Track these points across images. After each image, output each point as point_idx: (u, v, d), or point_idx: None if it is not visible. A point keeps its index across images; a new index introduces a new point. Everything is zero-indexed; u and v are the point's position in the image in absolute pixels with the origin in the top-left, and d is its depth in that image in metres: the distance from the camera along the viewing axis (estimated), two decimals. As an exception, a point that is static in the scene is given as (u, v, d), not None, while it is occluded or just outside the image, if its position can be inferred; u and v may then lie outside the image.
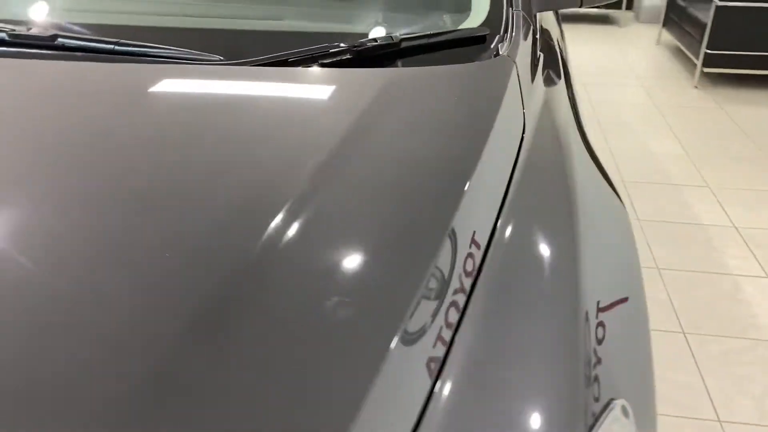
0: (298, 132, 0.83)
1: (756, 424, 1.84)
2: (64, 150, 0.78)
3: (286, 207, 0.69)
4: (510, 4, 1.15)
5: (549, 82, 1.16)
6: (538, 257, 0.74)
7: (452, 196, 0.73)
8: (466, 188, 0.74)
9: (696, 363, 2.07)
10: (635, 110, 4.17)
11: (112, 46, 0.99)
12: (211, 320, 0.57)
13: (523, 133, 0.92)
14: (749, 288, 2.40)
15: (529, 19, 1.20)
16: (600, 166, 1.09)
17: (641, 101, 4.34)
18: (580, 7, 1.42)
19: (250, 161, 0.77)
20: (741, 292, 2.39)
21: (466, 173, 0.76)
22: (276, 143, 0.81)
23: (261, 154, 0.79)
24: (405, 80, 0.97)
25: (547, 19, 1.63)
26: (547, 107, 1.07)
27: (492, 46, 1.06)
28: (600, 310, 0.72)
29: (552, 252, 0.75)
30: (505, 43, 1.06)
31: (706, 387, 1.97)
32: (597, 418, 0.62)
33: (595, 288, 0.74)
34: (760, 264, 2.53)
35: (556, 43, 1.47)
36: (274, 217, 0.68)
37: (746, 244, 2.67)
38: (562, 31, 1.83)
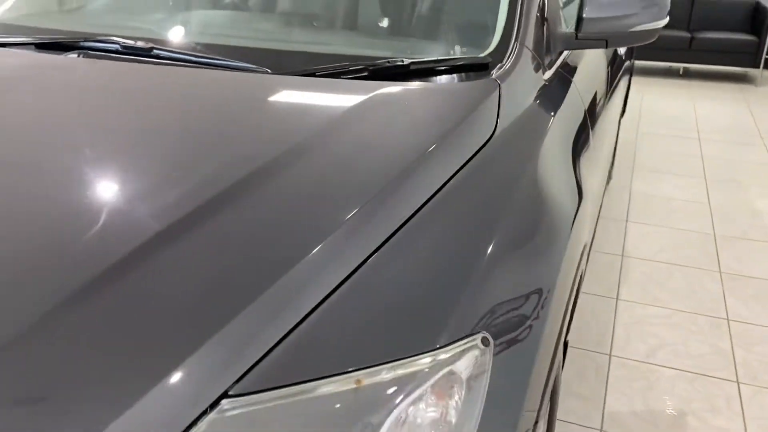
0: (302, 118, 1.09)
1: (791, 477, 1.80)
2: (151, 118, 1.11)
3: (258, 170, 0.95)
4: (517, 40, 1.34)
5: (548, 108, 1.33)
6: (447, 236, 0.93)
7: (390, 175, 0.95)
8: (399, 172, 0.95)
9: (743, 412, 2.04)
10: (749, 168, 4.04)
11: (191, 57, 1.31)
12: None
13: (488, 140, 1.11)
14: (824, 349, 2.30)
15: (538, 54, 1.38)
16: (579, 190, 1.24)
17: (759, 160, 4.19)
18: (606, 47, 1.58)
19: (265, 132, 1.05)
20: (814, 352, 2.30)
21: (402, 161, 0.97)
22: (289, 123, 1.08)
23: (275, 129, 1.07)
24: (404, 92, 1.19)
25: (589, 61, 1.79)
26: (534, 127, 1.24)
27: (488, 72, 1.26)
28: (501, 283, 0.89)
29: (459, 236, 0.93)
30: (500, 71, 1.26)
31: (746, 435, 1.95)
32: (456, 338, 0.80)
33: (500, 264, 0.91)
34: (844, 328, 2.42)
35: (584, 81, 1.62)
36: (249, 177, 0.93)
37: (834, 307, 2.55)
38: (612, 76, 1.97)
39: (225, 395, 0.69)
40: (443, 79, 1.24)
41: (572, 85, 1.51)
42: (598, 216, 2.31)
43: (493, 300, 0.86)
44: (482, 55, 1.32)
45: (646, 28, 1.54)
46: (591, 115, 1.59)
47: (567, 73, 1.53)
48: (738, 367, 2.25)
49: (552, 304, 0.96)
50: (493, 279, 0.88)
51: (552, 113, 1.31)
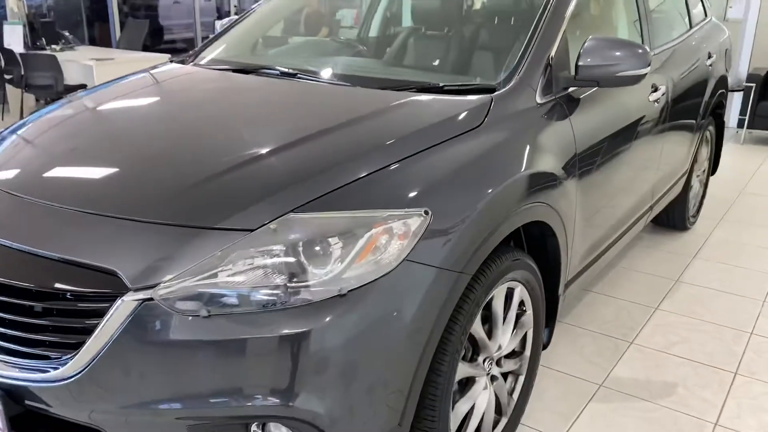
0: (373, 103, 1.95)
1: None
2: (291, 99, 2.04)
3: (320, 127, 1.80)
4: (518, 76, 2.05)
5: (529, 119, 2.02)
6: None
7: (415, 128, 1.79)
8: (423, 126, 1.78)
9: (729, 391, 2.47)
10: None
11: (316, 78, 2.21)
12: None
13: (478, 125, 1.84)
14: (830, 362, 2.63)
15: (533, 86, 2.06)
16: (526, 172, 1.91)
17: None
18: (598, 87, 2.24)
19: (339, 109, 1.94)
20: (820, 364, 2.64)
21: (424, 123, 1.79)
22: (365, 105, 1.96)
23: (357, 106, 1.96)
24: (434, 98, 1.98)
25: (607, 106, 2.44)
26: (510, 125, 1.94)
27: (491, 93, 2.01)
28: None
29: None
30: (498, 93, 2.00)
31: (723, 406, 2.39)
32: (412, 207, 1.54)
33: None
34: None
35: (587, 115, 2.27)
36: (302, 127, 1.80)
37: None
38: (649, 130, 2.72)
39: (291, 211, 1.50)
40: (461, 95, 2.01)
41: (565, 112, 2.18)
42: (620, 235, 2.84)
43: (438, 197, 1.60)
44: (493, 83, 2.07)
45: (629, 74, 2.19)
46: (583, 140, 2.22)
47: (565, 104, 2.21)
48: (742, 363, 2.66)
49: (475, 215, 1.65)
50: (439, 188, 1.63)
51: (530, 123, 2.02)
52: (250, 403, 1.39)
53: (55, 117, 2.17)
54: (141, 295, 1.39)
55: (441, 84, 2.08)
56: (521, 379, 2.14)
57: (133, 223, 1.49)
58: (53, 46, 6.91)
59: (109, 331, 1.40)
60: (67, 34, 7.36)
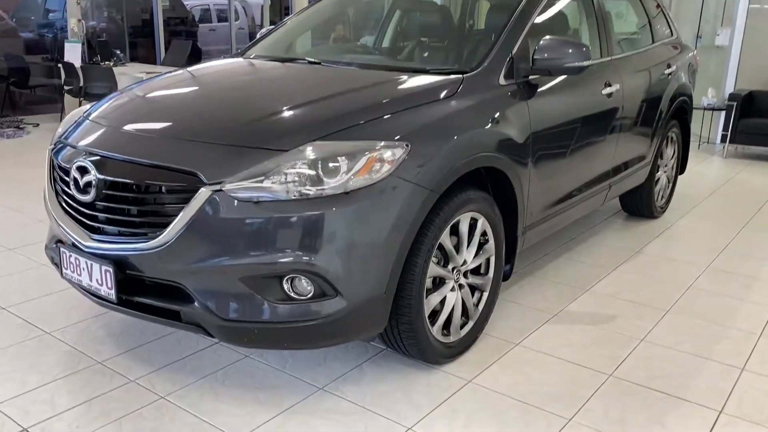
0: (380, 78, 2.69)
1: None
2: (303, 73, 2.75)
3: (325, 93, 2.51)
4: (485, 65, 2.75)
5: (490, 95, 2.70)
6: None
7: (410, 90, 2.53)
8: (416, 92, 2.51)
9: (658, 322, 3.08)
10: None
11: (334, 64, 2.94)
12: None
13: (454, 93, 2.55)
14: None
15: (497, 73, 2.76)
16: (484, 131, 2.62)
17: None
18: (549, 75, 2.93)
19: (349, 82, 2.65)
20: None
21: (417, 89, 2.53)
22: (372, 79, 2.68)
23: (365, 80, 2.68)
24: (424, 77, 2.69)
25: (562, 100, 3.12)
26: (475, 96, 2.63)
27: (463, 74, 2.71)
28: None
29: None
30: (469, 75, 2.69)
31: (651, 330, 3.00)
32: (396, 140, 2.23)
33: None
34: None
35: (543, 101, 2.95)
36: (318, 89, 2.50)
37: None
38: (605, 126, 3.34)
39: (314, 140, 2.19)
40: (444, 75, 2.71)
41: (524, 95, 2.86)
42: (576, 201, 3.48)
43: (418, 137, 2.29)
44: (466, 69, 2.77)
45: (574, 65, 2.87)
46: (537, 119, 2.89)
47: (525, 89, 2.89)
48: (675, 306, 3.27)
49: (443, 152, 2.33)
50: (419, 132, 2.32)
51: (492, 97, 2.71)
52: (283, 260, 2.08)
53: (152, 84, 2.97)
54: (214, 188, 2.08)
55: (428, 68, 2.79)
56: (485, 295, 2.79)
57: (208, 144, 2.21)
58: (107, 62, 7.78)
59: (189, 212, 2.10)
60: (118, 52, 8.25)
